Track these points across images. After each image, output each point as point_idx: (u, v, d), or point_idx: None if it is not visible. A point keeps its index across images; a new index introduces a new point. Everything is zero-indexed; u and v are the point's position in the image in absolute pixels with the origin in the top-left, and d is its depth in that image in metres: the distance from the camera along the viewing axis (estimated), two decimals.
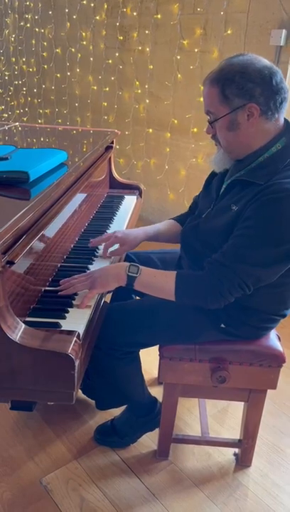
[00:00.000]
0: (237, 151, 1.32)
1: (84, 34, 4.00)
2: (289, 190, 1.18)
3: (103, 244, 1.62)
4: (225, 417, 1.92)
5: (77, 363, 1.06)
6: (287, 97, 1.25)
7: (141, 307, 1.52)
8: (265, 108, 1.23)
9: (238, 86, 1.22)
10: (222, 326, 1.43)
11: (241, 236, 1.23)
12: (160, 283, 1.33)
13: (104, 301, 1.41)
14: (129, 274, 1.32)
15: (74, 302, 1.33)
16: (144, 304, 1.53)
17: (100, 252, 1.64)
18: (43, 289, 1.37)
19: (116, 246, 1.61)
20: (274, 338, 1.52)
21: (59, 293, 1.33)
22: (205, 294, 1.27)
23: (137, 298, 1.77)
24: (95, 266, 1.55)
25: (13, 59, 4.99)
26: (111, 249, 1.60)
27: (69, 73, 4.28)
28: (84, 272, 1.47)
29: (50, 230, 1.40)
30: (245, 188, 1.27)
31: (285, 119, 1.31)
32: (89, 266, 1.55)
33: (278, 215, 1.19)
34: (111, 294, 1.75)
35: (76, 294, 1.35)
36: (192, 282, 1.31)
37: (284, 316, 1.46)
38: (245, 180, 1.28)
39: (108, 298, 1.45)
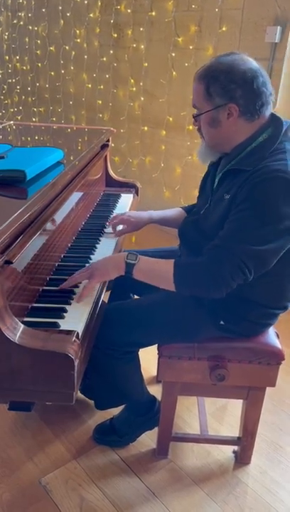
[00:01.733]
0: (218, 145, 1.37)
1: (78, 32, 3.98)
2: (277, 170, 1.20)
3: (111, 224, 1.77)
4: (224, 415, 1.92)
5: (76, 362, 1.05)
6: (269, 101, 1.29)
7: (139, 306, 1.52)
8: (244, 109, 1.27)
9: (221, 85, 1.26)
10: (222, 322, 1.43)
11: (236, 220, 1.24)
12: (158, 271, 1.33)
13: (103, 301, 1.40)
14: (128, 261, 1.33)
15: (72, 302, 1.32)
16: (142, 303, 1.53)
17: (97, 251, 1.65)
18: (41, 288, 1.36)
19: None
20: (272, 336, 1.52)
21: (60, 286, 1.35)
22: (206, 281, 1.25)
23: (136, 297, 1.77)
24: None
25: (7, 57, 4.96)
26: (118, 228, 1.75)
27: (63, 71, 4.26)
28: None
29: (48, 229, 1.39)
30: (236, 177, 1.30)
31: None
32: (87, 265, 1.54)
33: (269, 194, 1.20)
34: (109, 293, 1.75)
35: (74, 293, 1.35)
36: (191, 269, 1.29)
37: (285, 308, 1.45)
38: (235, 169, 1.31)
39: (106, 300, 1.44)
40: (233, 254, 1.22)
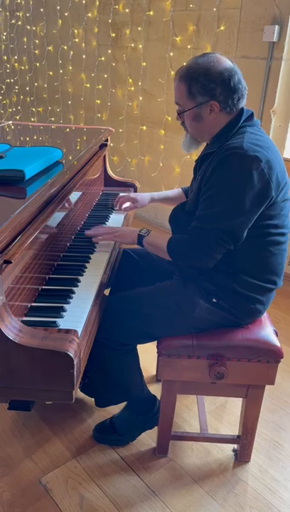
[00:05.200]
0: (201, 137, 1.53)
1: (76, 31, 3.98)
2: (234, 148, 1.34)
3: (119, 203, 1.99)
4: (224, 414, 1.92)
5: (75, 361, 1.06)
6: (245, 94, 1.43)
7: (137, 294, 1.56)
8: (224, 105, 1.41)
9: (202, 85, 1.39)
10: (214, 300, 1.47)
11: (206, 199, 1.39)
12: (160, 245, 1.50)
13: (104, 294, 1.41)
14: (140, 233, 1.56)
15: (71, 301, 1.32)
16: (140, 291, 1.57)
17: (97, 250, 1.66)
18: (40, 287, 1.36)
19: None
20: (271, 334, 1.52)
21: (86, 233, 1.67)
22: (191, 255, 1.43)
23: None
24: (92, 263, 1.56)
25: (5, 57, 4.97)
26: (125, 205, 1.97)
27: (61, 71, 4.26)
28: (82, 269, 1.51)
29: (47, 229, 1.39)
30: (207, 160, 1.46)
31: None
32: (86, 264, 1.55)
33: (229, 170, 1.34)
34: (108, 290, 1.75)
35: (73, 293, 1.37)
36: (180, 246, 1.46)
37: (275, 284, 1.50)
38: (207, 153, 1.48)
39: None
40: (208, 233, 1.37)
